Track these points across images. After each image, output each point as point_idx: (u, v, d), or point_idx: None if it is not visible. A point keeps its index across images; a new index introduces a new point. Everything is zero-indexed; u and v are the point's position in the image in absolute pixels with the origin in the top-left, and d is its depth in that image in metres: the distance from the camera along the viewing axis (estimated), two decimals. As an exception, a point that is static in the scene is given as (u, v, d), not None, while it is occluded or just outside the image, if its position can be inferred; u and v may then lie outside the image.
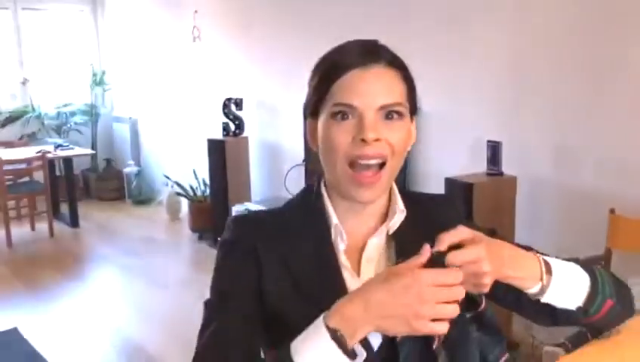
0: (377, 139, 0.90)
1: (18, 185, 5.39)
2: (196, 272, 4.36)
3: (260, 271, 0.94)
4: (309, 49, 3.85)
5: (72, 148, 5.69)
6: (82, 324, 3.52)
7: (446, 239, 0.82)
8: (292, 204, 1.05)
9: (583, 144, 2.77)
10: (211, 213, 4.90)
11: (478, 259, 0.82)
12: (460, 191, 2.73)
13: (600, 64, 2.67)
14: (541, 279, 0.91)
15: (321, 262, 0.96)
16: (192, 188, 5.33)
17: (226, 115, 4.70)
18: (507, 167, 2.89)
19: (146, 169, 6.55)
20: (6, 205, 4.99)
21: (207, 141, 4.78)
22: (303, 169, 4.20)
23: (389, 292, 0.77)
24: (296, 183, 4.13)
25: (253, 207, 4.29)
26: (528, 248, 0.96)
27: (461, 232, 0.84)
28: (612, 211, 2.58)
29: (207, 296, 0.98)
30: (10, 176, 5.26)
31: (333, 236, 0.97)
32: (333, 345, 0.77)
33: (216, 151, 4.69)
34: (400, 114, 0.93)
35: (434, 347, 0.87)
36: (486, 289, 0.84)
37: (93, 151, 6.39)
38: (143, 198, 6.42)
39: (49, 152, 5.33)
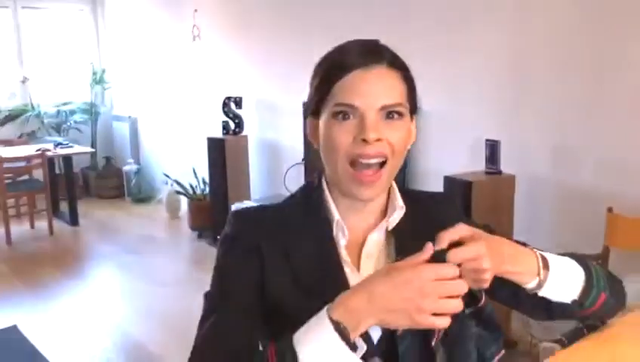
0: (378, 139, 0.91)
1: (18, 184, 5.38)
2: (195, 270, 4.36)
3: (262, 264, 0.95)
4: (308, 47, 3.88)
5: (72, 147, 5.67)
6: (82, 322, 3.52)
7: (446, 237, 0.83)
8: (292, 199, 1.06)
9: (581, 143, 2.79)
10: (211, 212, 4.91)
11: (479, 256, 0.83)
12: (458, 190, 2.75)
13: (599, 64, 2.68)
14: (538, 274, 0.93)
15: (322, 257, 0.97)
16: (191, 186, 5.34)
17: (226, 113, 4.71)
18: (507, 166, 2.90)
19: (145, 167, 6.55)
20: (5, 203, 4.99)
21: (207, 139, 4.78)
22: (302, 167, 4.20)
23: (391, 285, 0.78)
24: (295, 182, 4.13)
25: (252, 205, 4.28)
26: (523, 244, 0.98)
27: (461, 230, 0.85)
28: (610, 210, 2.60)
29: (207, 294, 0.99)
30: (10, 175, 5.26)
31: (334, 231, 0.98)
32: (336, 336, 0.78)
33: (216, 149, 4.70)
34: (400, 114, 0.94)
35: (432, 343, 0.88)
36: (486, 285, 0.86)
37: (93, 150, 6.37)
38: (143, 196, 6.43)
39: (49, 150, 5.32)
